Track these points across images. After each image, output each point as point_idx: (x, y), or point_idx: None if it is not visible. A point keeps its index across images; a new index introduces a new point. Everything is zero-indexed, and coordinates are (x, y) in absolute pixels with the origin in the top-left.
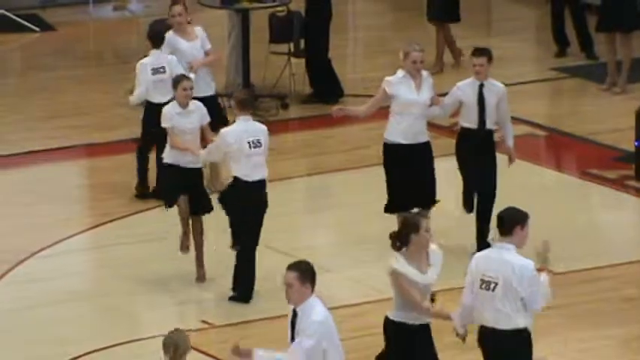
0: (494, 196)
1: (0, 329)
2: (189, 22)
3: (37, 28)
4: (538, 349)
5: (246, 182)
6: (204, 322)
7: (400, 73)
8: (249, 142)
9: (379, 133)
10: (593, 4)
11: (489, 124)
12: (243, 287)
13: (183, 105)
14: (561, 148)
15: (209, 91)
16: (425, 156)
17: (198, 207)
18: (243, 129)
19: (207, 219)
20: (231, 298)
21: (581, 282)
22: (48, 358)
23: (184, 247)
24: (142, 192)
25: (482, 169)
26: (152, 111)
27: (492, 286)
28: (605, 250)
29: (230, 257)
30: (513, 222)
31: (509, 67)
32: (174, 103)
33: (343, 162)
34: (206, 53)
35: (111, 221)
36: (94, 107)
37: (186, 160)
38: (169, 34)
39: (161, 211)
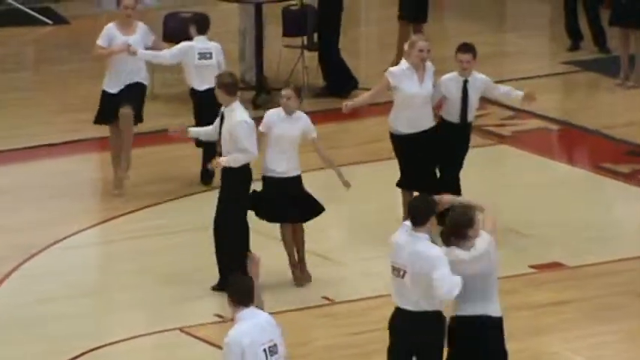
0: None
1: (11, 323)
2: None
3: (50, 22)
4: (552, 344)
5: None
6: (217, 315)
7: (404, 64)
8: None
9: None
10: None
11: (470, 118)
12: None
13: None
14: (574, 142)
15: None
16: (433, 141)
17: (309, 213)
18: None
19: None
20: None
21: (595, 276)
22: (61, 353)
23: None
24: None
25: (456, 155)
26: (197, 97)
27: (402, 273)
28: (619, 244)
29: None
30: (429, 212)
31: (523, 61)
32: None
33: (357, 155)
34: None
35: (122, 215)
36: None
37: (280, 170)
38: (109, 25)
39: (172, 204)
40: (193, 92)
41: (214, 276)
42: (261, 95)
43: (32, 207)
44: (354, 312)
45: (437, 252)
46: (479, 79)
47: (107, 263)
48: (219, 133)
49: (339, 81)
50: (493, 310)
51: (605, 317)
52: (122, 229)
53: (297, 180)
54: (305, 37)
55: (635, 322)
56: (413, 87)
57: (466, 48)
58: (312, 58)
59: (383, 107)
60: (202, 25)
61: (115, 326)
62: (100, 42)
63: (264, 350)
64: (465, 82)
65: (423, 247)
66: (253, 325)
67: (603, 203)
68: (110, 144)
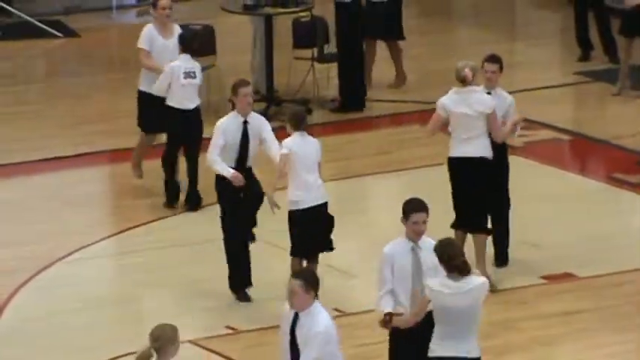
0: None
1: (23, 336)
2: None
3: (60, 34)
4: (563, 355)
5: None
6: (228, 327)
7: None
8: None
9: (402, 139)
10: (617, 8)
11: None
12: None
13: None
14: (585, 153)
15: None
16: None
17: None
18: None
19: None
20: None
21: (606, 286)
22: None
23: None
24: (170, 205)
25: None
26: (176, 116)
27: None
28: (630, 254)
29: (259, 262)
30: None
31: (533, 71)
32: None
33: (367, 167)
34: None
35: (135, 227)
36: (118, 113)
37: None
38: (149, 27)
39: (185, 216)
40: (175, 111)
41: (226, 287)
42: (272, 107)
43: (43, 219)
44: (364, 323)
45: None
46: (505, 97)
47: (118, 275)
48: (245, 143)
49: (354, 97)
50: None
51: (617, 328)
52: (133, 241)
53: None
54: (315, 49)
55: None
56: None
57: (493, 59)
58: (322, 69)
59: (393, 119)
60: (187, 43)
61: (126, 338)
62: (142, 45)
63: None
64: (489, 94)
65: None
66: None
67: (614, 214)
68: (140, 148)
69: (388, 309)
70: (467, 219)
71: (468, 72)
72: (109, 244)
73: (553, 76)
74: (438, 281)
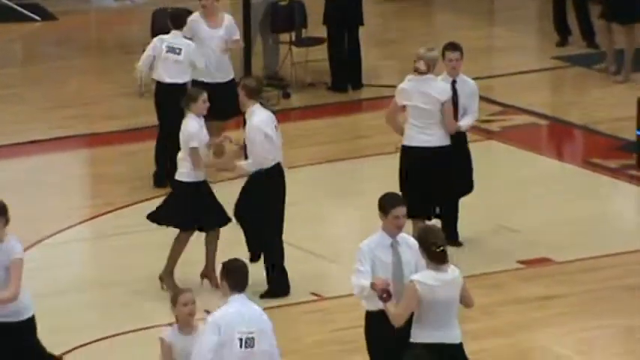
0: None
1: None
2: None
3: (38, 18)
4: (540, 339)
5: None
6: (206, 311)
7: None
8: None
9: (381, 123)
10: None
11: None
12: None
13: (205, 117)
14: (563, 138)
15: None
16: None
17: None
18: (265, 117)
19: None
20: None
21: (583, 271)
22: (50, 347)
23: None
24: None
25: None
26: (163, 91)
27: None
28: (607, 239)
29: (235, 249)
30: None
31: (511, 56)
32: (194, 118)
33: (345, 151)
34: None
35: (113, 211)
36: (96, 97)
37: (200, 174)
38: (194, 16)
39: (160, 201)
40: (157, 85)
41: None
42: None
43: (21, 203)
44: (343, 307)
45: None
46: (469, 82)
47: (97, 259)
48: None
49: (341, 79)
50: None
51: (594, 312)
52: (112, 224)
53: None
54: (293, 33)
55: (624, 317)
56: None
57: (454, 46)
58: (299, 53)
59: (371, 103)
60: (177, 20)
61: (104, 322)
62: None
63: (240, 339)
64: (454, 82)
65: None
66: (239, 311)
67: (591, 198)
68: None
69: (369, 282)
70: (421, 207)
71: (420, 65)
72: (88, 228)
73: (531, 61)
74: (426, 275)
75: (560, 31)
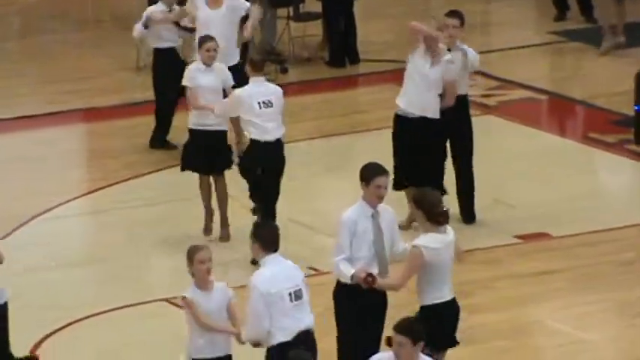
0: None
1: None
2: None
3: None
4: (537, 314)
5: (260, 142)
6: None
7: None
8: (259, 103)
9: (378, 98)
10: None
11: (460, 90)
12: None
13: (208, 64)
14: (561, 112)
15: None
16: None
17: (218, 165)
18: (256, 90)
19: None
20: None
21: (581, 246)
22: (47, 322)
23: (207, 230)
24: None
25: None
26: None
27: None
28: (605, 213)
29: (240, 222)
30: None
31: (509, 31)
32: (198, 62)
33: (342, 126)
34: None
35: (110, 185)
36: (93, 71)
37: (210, 122)
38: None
39: (158, 176)
40: (155, 51)
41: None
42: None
43: (19, 177)
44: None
45: None
46: (469, 51)
47: (94, 234)
48: None
49: (339, 53)
50: None
51: (591, 287)
52: (109, 199)
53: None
54: (291, 8)
55: (621, 291)
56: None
57: (454, 13)
58: (297, 28)
59: (369, 78)
60: None
61: (102, 296)
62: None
63: (290, 294)
64: (448, 50)
65: None
66: (280, 270)
67: (589, 173)
68: None
69: (352, 272)
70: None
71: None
72: (83, 203)
73: (529, 36)
74: (429, 239)
75: (558, 6)
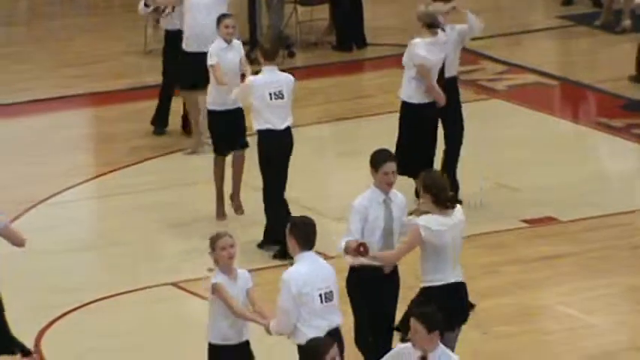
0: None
1: (7, 276)
2: None
3: None
4: (544, 298)
5: (270, 130)
6: (210, 269)
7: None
8: (270, 94)
9: (384, 82)
10: None
11: (448, 72)
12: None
13: (228, 41)
14: (568, 97)
15: None
16: None
17: (240, 142)
18: (268, 79)
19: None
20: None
21: (589, 230)
22: (53, 307)
23: (220, 215)
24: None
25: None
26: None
27: None
28: (612, 198)
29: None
30: None
31: (517, 15)
32: (219, 40)
33: (349, 110)
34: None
35: (115, 170)
36: (101, 56)
37: (229, 101)
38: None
39: (165, 159)
40: (166, 33)
41: (205, 232)
42: (255, 50)
43: (26, 162)
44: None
45: None
46: (455, 27)
47: (100, 218)
48: None
49: (345, 38)
50: None
51: (598, 271)
52: (115, 183)
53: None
54: None
55: (628, 276)
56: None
57: None
58: (304, 12)
59: (376, 62)
60: None
61: (108, 281)
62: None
63: (320, 295)
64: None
65: None
66: (313, 268)
67: (597, 157)
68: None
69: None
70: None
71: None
72: (89, 188)
73: (537, 20)
74: (431, 220)
75: None
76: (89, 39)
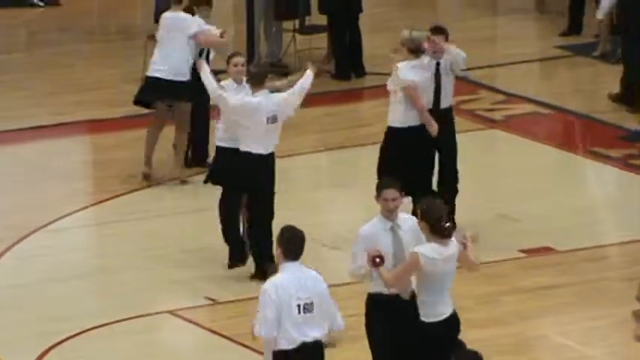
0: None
1: (3, 304)
2: None
3: (41, 3)
4: (542, 329)
5: (254, 155)
6: (208, 298)
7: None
8: (267, 118)
9: (382, 111)
10: None
11: (444, 103)
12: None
13: (238, 81)
14: (566, 127)
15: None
16: None
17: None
18: (264, 103)
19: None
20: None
21: (587, 261)
22: (50, 334)
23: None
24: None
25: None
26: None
27: None
28: (610, 228)
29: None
30: None
31: (514, 45)
32: (230, 80)
33: (345, 140)
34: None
35: (114, 197)
36: (99, 83)
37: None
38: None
39: (164, 188)
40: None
41: (205, 259)
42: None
43: (24, 188)
44: (342, 294)
45: None
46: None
47: (98, 246)
48: None
49: (344, 67)
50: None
51: (596, 302)
52: (114, 211)
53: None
54: (297, 21)
55: (625, 307)
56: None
57: (439, 30)
58: (304, 41)
59: (374, 91)
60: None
61: (105, 308)
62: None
63: (298, 305)
64: (437, 64)
65: None
66: (295, 277)
67: (594, 188)
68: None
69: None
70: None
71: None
72: (88, 215)
73: (534, 50)
74: (429, 249)
75: (573, 21)
76: (86, 66)
